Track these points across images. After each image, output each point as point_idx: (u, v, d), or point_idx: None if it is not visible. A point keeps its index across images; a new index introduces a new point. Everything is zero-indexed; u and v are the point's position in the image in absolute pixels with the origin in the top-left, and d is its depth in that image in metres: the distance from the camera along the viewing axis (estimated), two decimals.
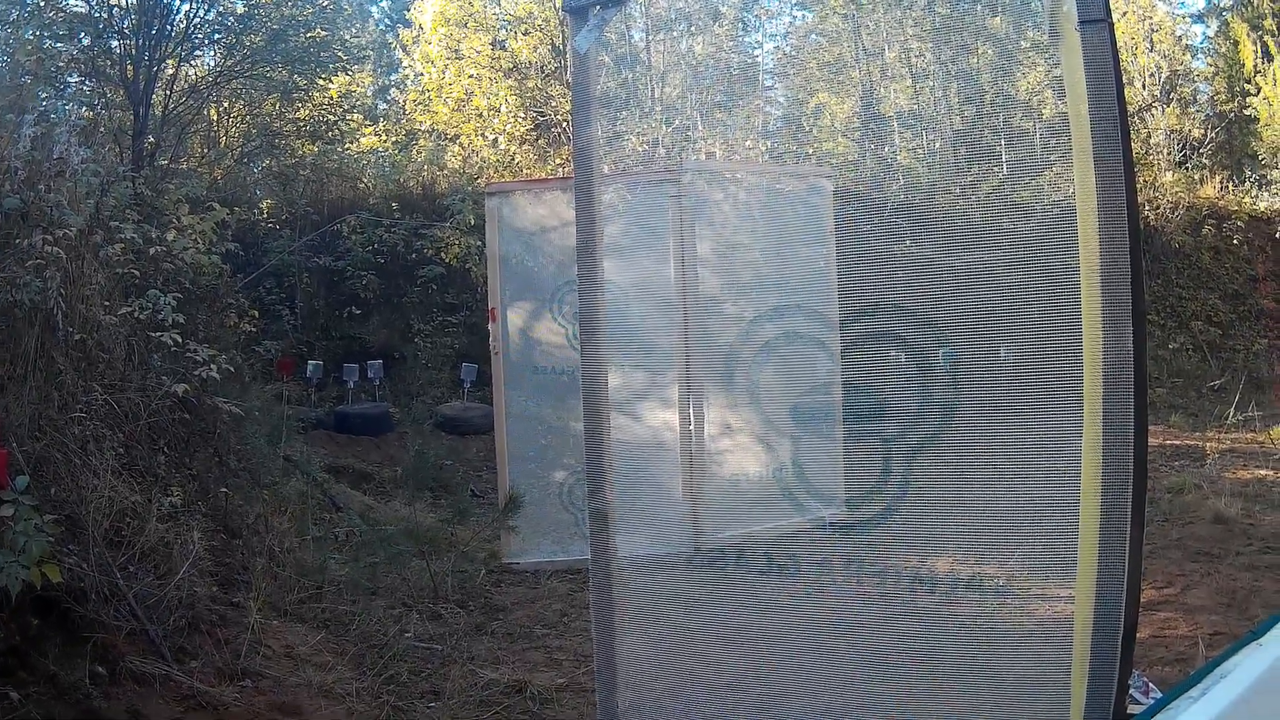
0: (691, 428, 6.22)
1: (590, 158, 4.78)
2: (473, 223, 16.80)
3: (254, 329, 12.69)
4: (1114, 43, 3.66)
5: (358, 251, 18.15)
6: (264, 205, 18.06)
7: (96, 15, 16.23)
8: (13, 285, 7.01)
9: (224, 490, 8.94)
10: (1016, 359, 4.15)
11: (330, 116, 20.04)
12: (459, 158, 20.32)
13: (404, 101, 23.63)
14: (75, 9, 16.17)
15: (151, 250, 9.67)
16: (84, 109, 15.88)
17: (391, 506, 12.08)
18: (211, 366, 8.88)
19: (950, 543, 4.37)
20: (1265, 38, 23.42)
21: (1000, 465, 4.20)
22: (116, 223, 8.57)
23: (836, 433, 5.13)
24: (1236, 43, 23.88)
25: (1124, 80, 3.65)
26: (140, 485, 8.13)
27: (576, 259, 4.76)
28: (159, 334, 8.48)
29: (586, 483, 4.71)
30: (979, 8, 4.83)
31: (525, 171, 19.20)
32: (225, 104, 19.31)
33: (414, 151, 21.12)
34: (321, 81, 19.58)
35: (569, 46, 4.88)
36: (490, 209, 10.46)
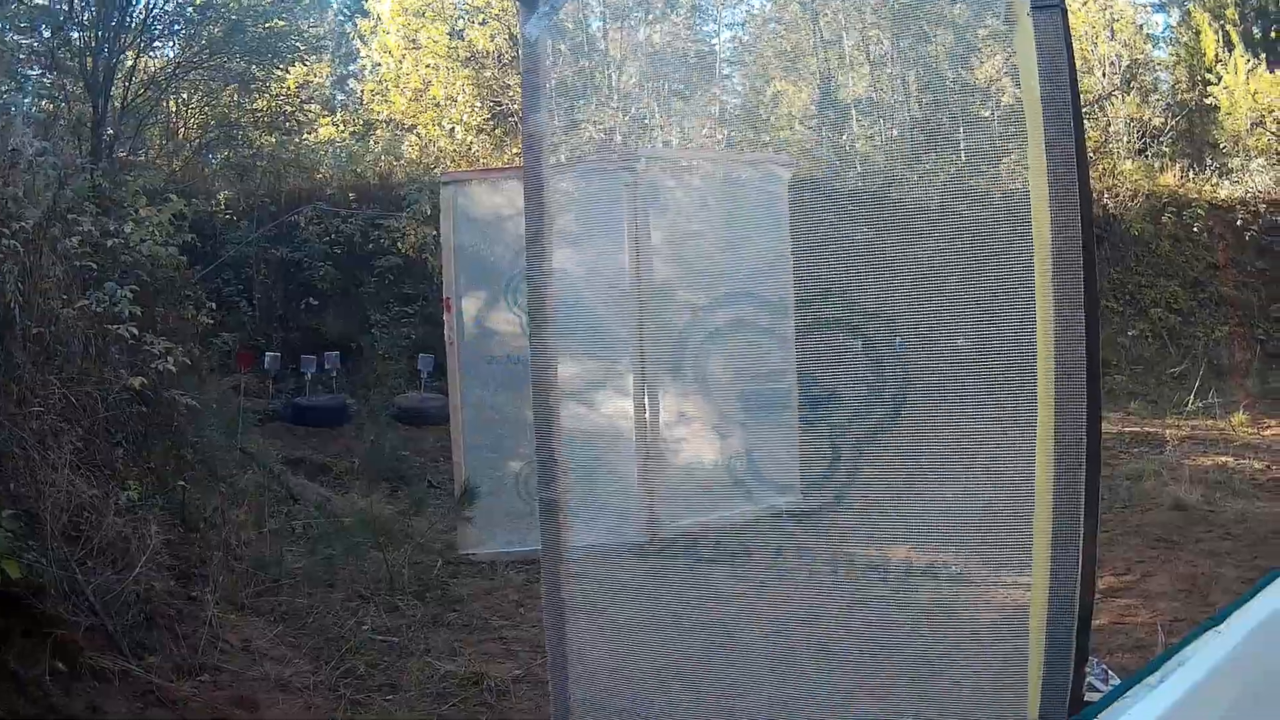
0: (647, 416, 6.21)
1: (540, 145, 4.76)
2: (429, 213, 16.72)
3: (211, 321, 12.57)
4: (1067, 27, 3.67)
5: (315, 243, 18.05)
6: (221, 197, 17.91)
7: (56, 8, 16.11)
8: None
9: (181, 484, 8.89)
10: (973, 347, 4.15)
11: (288, 107, 19.91)
12: (416, 148, 20.23)
13: (362, 91, 23.51)
14: (37, 2, 16.05)
15: (109, 243, 9.61)
16: (44, 101, 15.76)
17: (349, 499, 12.02)
18: (168, 359, 8.81)
19: (903, 531, 4.33)
20: (1227, 27, 23.58)
21: (954, 453, 4.18)
22: (74, 215, 8.48)
23: (790, 421, 5.13)
24: (1198, 31, 24.02)
25: (1084, 69, 3.68)
26: (98, 479, 8.10)
27: (525, 248, 4.74)
28: (116, 326, 8.41)
29: (537, 473, 4.68)
30: None
31: (482, 161, 19.13)
32: (184, 95, 19.10)
33: (371, 142, 21.01)
34: (279, 72, 19.46)
35: (520, 34, 4.87)
36: (445, 198, 10.42)
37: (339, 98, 24.73)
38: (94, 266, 8.75)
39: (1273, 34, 23.82)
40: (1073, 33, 3.70)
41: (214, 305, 13.35)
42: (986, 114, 4.56)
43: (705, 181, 6.24)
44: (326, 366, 16.89)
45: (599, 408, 5.81)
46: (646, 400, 6.54)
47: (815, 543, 4.58)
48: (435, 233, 13.18)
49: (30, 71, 15.69)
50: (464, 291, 10.46)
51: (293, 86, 20.20)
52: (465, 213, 10.36)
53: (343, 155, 20.27)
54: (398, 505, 11.69)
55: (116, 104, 16.56)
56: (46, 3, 16.12)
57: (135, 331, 8.50)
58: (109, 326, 8.43)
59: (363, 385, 17.35)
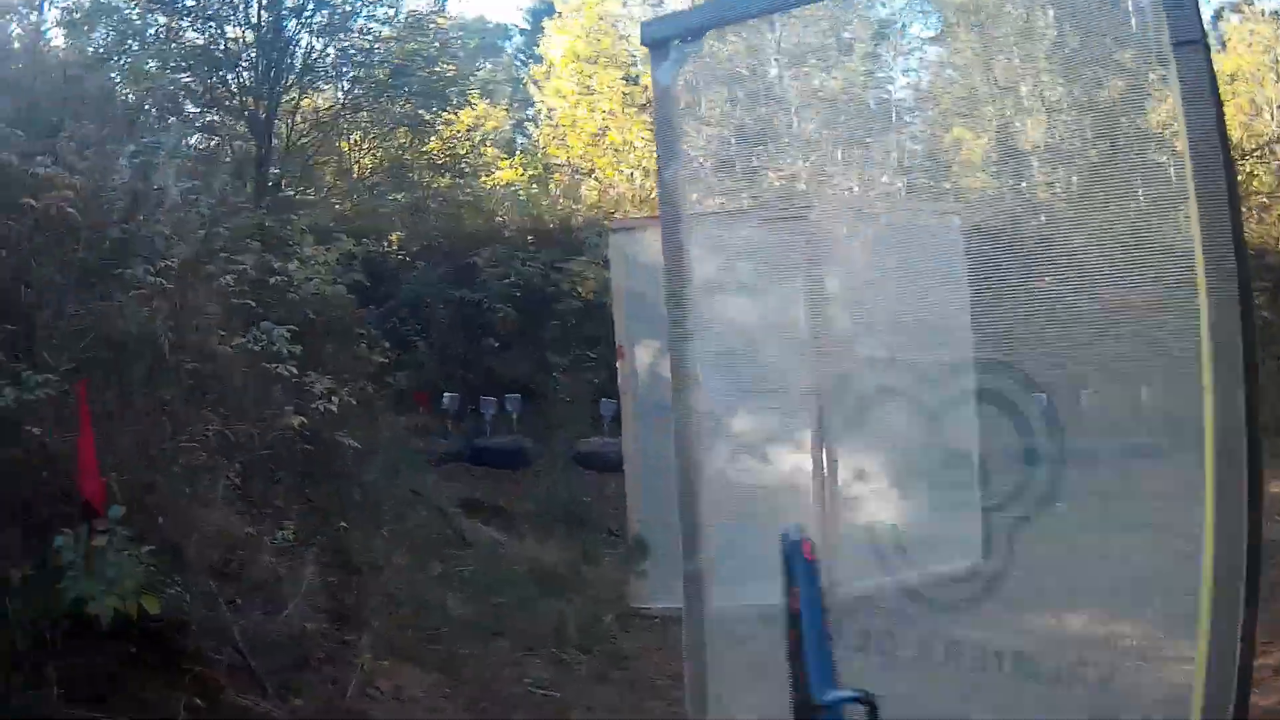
0: (824, 472, 5.86)
1: (676, 196, 4.61)
2: (608, 258, 16.55)
3: (386, 360, 12.47)
4: (1209, 62, 3.48)
5: (494, 284, 17.97)
6: (394, 237, 17.96)
7: (215, 50, 16.31)
8: (120, 315, 6.83)
9: (342, 524, 8.73)
10: (1153, 404, 3.94)
11: (460, 150, 19.93)
12: (595, 191, 20.08)
13: (538, 135, 23.48)
14: (194, 41, 16.27)
15: (272, 280, 9.55)
16: (202, 139, 15.92)
17: (524, 544, 11.72)
18: (331, 399, 8.65)
19: (1078, 597, 4.15)
20: None
21: (1137, 513, 4.01)
22: (227, 254, 8.38)
23: (969, 480, 4.77)
24: None
25: (1252, 111, 3.32)
26: (254, 517, 7.96)
27: (666, 304, 4.64)
28: (275, 366, 8.28)
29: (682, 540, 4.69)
30: (1107, 40, 4.47)
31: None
32: (354, 136, 19.27)
33: (550, 185, 20.93)
34: (448, 115, 19.51)
35: (652, 81, 4.63)
36: (615, 245, 10.19)
37: (518, 140, 24.81)
38: (254, 304, 8.63)
39: None
40: (1239, 74, 3.35)
41: (388, 345, 13.29)
42: (1162, 159, 4.18)
43: (883, 230, 5.87)
44: (507, 408, 16.76)
45: (774, 462, 5.51)
46: (825, 456, 6.18)
47: (989, 606, 4.30)
48: (610, 235, 12.97)
49: (189, 107, 15.89)
50: (636, 339, 10.14)
51: (463, 129, 20.21)
52: (635, 260, 10.05)
53: (521, 198, 20.20)
54: (572, 552, 11.40)
55: (281, 143, 16.73)
56: (204, 43, 16.31)
57: (295, 370, 8.35)
58: (267, 365, 8.29)
59: (544, 428, 17.13)
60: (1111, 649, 4.07)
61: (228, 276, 8.25)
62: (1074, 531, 4.31)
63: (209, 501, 7.30)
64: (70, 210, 6.65)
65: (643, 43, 4.91)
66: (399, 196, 18.65)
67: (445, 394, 16.58)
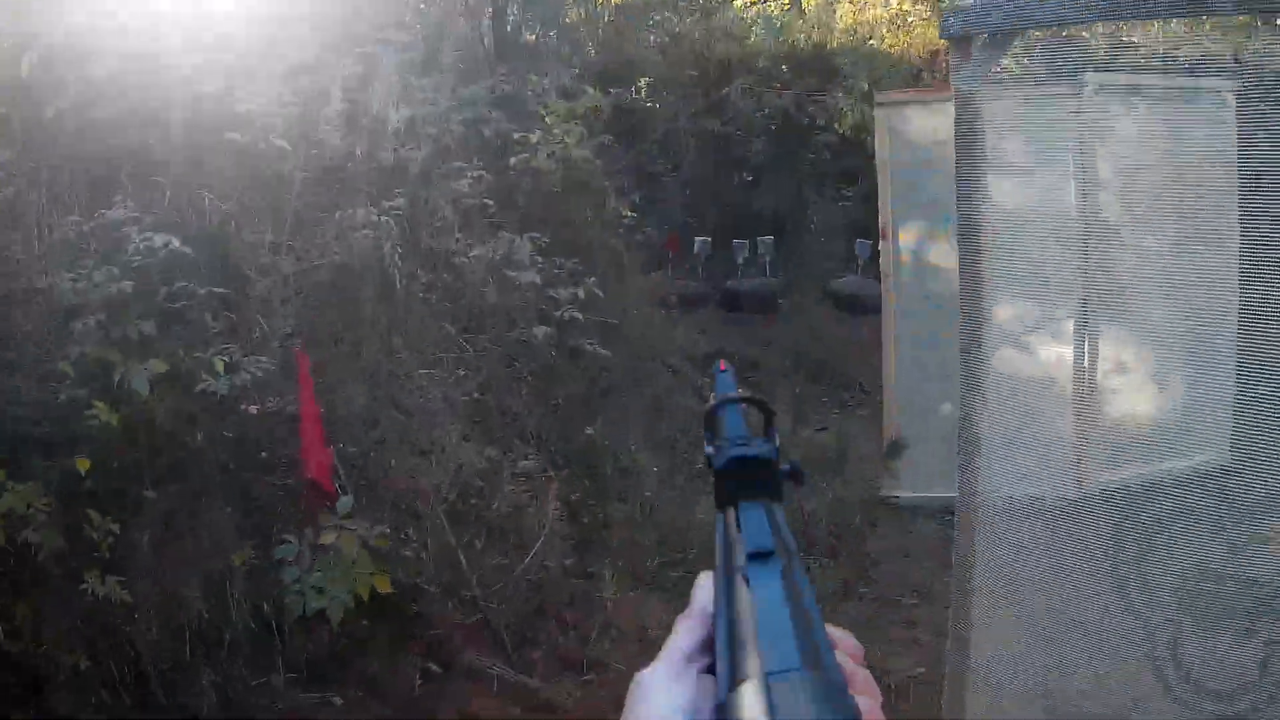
0: (1085, 363, 5.41)
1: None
2: (866, 88, 15.63)
3: (633, 213, 12.03)
4: None
5: (747, 115, 17.20)
6: (643, 82, 17.26)
7: None
8: (346, 250, 6.46)
9: (589, 431, 8.37)
10: None
11: None
12: (850, 15, 18.94)
13: None
14: None
15: (512, 160, 9.15)
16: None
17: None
18: (573, 308, 8.26)
19: None
20: None
21: None
22: (460, 163, 7.92)
23: (1228, 373, 4.43)
24: None
25: None
26: (494, 440, 7.64)
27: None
28: (515, 274, 7.86)
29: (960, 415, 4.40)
30: None
31: (916, 30, 17.70)
32: None
33: (803, 7, 19.82)
34: None
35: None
36: (879, 120, 9.44)
37: None
38: (489, 203, 8.19)
39: None
40: None
41: (636, 199, 12.82)
42: None
43: (1155, 109, 5.28)
44: (759, 250, 16.21)
45: (1035, 353, 5.20)
46: (1087, 347, 5.72)
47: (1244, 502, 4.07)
48: (874, 110, 12.17)
49: None
50: (900, 220, 9.45)
51: None
52: (900, 136, 9.28)
53: (775, 24, 19.17)
54: (822, 423, 10.94)
55: None
56: None
57: (538, 281, 7.92)
58: (509, 273, 7.88)
59: (796, 268, 16.56)
60: None
61: (463, 180, 7.78)
62: None
63: (448, 432, 7.00)
64: (281, 142, 6.22)
65: (942, 36, 4.37)
66: (648, 34, 17.75)
67: (696, 238, 16.10)
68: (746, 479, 1.02)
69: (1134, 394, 5.13)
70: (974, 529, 4.34)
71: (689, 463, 9.46)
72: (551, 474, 7.73)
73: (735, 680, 0.72)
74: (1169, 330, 4.87)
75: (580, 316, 8.22)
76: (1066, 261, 4.77)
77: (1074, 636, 4.42)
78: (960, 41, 3.82)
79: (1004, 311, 4.61)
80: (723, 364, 1.28)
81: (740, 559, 0.88)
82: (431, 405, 7.11)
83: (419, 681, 6.06)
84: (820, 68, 17.37)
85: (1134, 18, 3.79)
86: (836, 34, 18.28)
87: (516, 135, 9.62)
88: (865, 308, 15.14)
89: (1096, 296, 4.87)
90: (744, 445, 1.05)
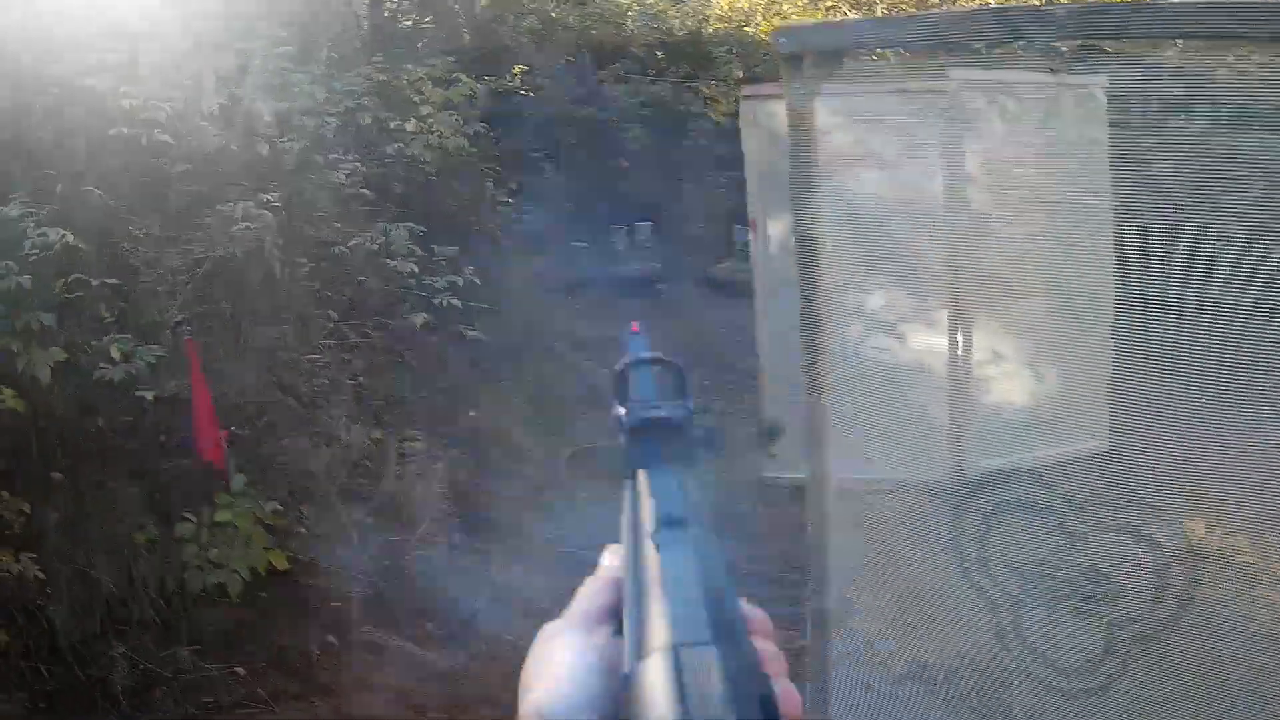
0: (959, 352, 5.61)
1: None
2: (740, 76, 15.92)
3: (511, 200, 12.22)
4: None
5: (623, 102, 17.41)
6: (516, 69, 17.38)
7: None
8: (227, 242, 6.60)
9: (472, 414, 8.57)
10: None
11: None
12: (725, 1, 19.21)
13: None
14: None
15: (389, 149, 9.30)
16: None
17: None
18: (449, 295, 8.44)
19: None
20: None
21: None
22: (336, 154, 8.08)
23: (1104, 361, 4.48)
24: None
25: None
26: (380, 423, 7.85)
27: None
28: (392, 262, 8.04)
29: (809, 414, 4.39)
30: None
31: (791, 16, 17.99)
32: None
33: None
34: None
35: None
36: (745, 112, 9.69)
37: None
38: (366, 193, 8.36)
39: None
40: None
41: (514, 186, 13.00)
42: None
43: (1021, 103, 5.50)
44: (638, 235, 16.44)
45: (906, 341, 5.34)
46: (960, 335, 5.92)
47: (1120, 491, 4.11)
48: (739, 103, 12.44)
49: None
50: (769, 211, 9.72)
51: None
52: (766, 129, 9.57)
53: (649, 8, 19.35)
54: (705, 405, 11.17)
55: None
56: None
57: (415, 269, 8.10)
58: (386, 261, 8.06)
59: (675, 253, 16.80)
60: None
61: (339, 172, 7.95)
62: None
63: (333, 414, 7.19)
64: (164, 137, 6.36)
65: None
66: (523, 19, 17.81)
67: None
68: (658, 442, 1.00)
69: (1008, 383, 5.36)
70: (824, 513, 4.45)
71: (573, 444, 9.69)
72: (438, 455, 7.93)
73: (643, 651, 0.69)
74: (1039, 320, 5.10)
75: (459, 304, 8.38)
76: (932, 253, 4.99)
77: (935, 622, 4.56)
78: (792, 59, 3.99)
79: (876, 300, 4.81)
80: (635, 325, 1.29)
81: (651, 525, 0.85)
82: (318, 389, 7.27)
83: (318, 653, 6.26)
84: (696, 54, 17.61)
85: (955, 50, 4.01)
86: (712, 21, 18.53)
87: (393, 124, 9.73)
88: (744, 292, 15.45)
89: (968, 286, 5.11)
90: (655, 408, 1.03)
